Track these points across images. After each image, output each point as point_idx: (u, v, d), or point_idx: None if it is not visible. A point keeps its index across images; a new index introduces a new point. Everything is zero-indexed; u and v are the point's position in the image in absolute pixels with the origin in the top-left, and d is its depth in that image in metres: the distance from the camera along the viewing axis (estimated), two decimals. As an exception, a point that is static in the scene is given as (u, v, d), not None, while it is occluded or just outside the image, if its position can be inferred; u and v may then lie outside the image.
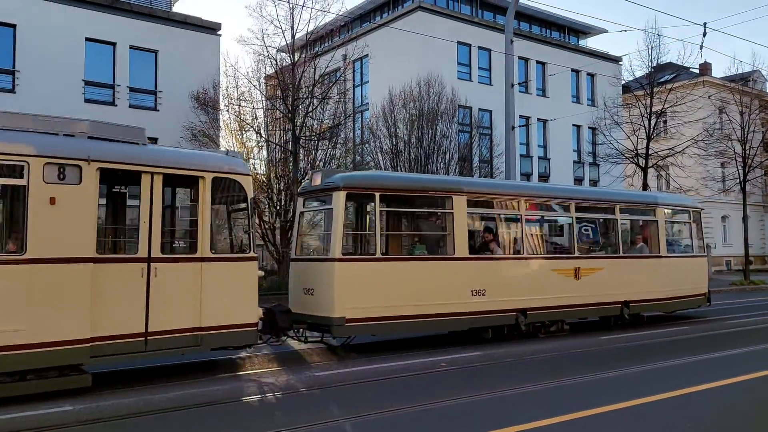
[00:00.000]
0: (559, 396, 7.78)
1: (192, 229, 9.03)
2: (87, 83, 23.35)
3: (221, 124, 24.21)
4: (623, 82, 35.53)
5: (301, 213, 11.98)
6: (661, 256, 14.93)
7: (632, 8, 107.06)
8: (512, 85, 20.24)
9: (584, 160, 38.17)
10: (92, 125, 8.41)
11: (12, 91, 21.85)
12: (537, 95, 36.53)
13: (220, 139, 24.21)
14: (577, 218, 13.60)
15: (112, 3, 24.16)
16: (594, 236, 14.55)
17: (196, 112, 23.75)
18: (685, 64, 31.90)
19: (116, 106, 23.78)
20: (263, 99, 24.55)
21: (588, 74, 38.77)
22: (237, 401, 7.63)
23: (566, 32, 40.68)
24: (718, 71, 47.01)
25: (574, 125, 37.68)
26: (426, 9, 32.57)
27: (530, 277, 12.50)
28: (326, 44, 28.17)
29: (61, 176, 7.67)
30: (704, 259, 16.77)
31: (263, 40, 23.35)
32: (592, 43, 42.58)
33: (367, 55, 30.81)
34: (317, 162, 23.48)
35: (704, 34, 21.50)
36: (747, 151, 30.72)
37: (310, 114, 23.37)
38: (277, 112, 24.20)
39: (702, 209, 17.35)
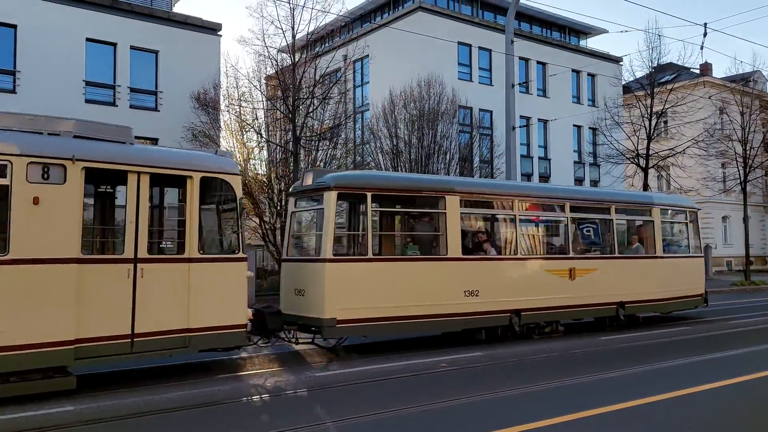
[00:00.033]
0: (561, 396, 7.78)
1: (180, 229, 8.91)
2: (88, 84, 23.35)
3: (222, 124, 24.20)
4: (624, 82, 35.54)
5: (293, 213, 11.88)
6: (657, 257, 14.86)
7: (633, 8, 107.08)
8: (513, 86, 20.24)
9: (585, 161, 38.16)
10: (78, 124, 8.32)
11: (13, 91, 21.85)
12: (537, 95, 36.53)
13: (221, 139, 24.21)
14: (572, 218, 13.54)
15: (112, 3, 24.16)
16: (589, 236, 14.44)
17: (196, 112, 23.74)
18: (686, 65, 31.92)
19: (117, 106, 23.78)
20: (264, 99, 24.55)
21: (588, 74, 38.77)
22: (238, 401, 7.64)
23: (567, 32, 40.68)
24: (719, 72, 46.99)
25: (574, 125, 37.68)
26: (426, 9, 32.57)
27: (524, 277, 12.43)
28: (327, 44, 28.16)
29: (45, 176, 7.58)
30: (701, 260, 16.68)
31: (264, 40, 23.35)
32: (592, 43, 42.62)
33: (367, 55, 30.79)
34: (318, 162, 23.48)
35: (705, 35, 21.67)
36: (747, 152, 30.72)
37: (311, 114, 23.37)
38: (278, 112, 24.20)
39: (699, 209, 17.27)
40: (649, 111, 28.87)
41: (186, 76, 24.16)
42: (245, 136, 24.19)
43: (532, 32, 37.96)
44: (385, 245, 12.21)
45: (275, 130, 24.92)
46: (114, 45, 24.03)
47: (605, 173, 34.15)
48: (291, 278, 11.08)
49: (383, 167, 25.59)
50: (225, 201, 9.82)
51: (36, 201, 7.44)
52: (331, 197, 10.48)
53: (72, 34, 23.01)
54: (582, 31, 41.03)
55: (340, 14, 25.57)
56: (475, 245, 12.36)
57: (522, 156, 33.78)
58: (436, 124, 25.97)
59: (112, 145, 8.45)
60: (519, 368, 9.94)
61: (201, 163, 9.07)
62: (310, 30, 23.74)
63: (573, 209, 13.59)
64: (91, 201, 10.00)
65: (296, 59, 23.24)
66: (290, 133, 22.88)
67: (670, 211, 16.21)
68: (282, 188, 22.42)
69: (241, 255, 9.25)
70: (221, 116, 24.08)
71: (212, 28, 26.44)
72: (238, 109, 23.86)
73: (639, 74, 31.41)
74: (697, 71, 39.20)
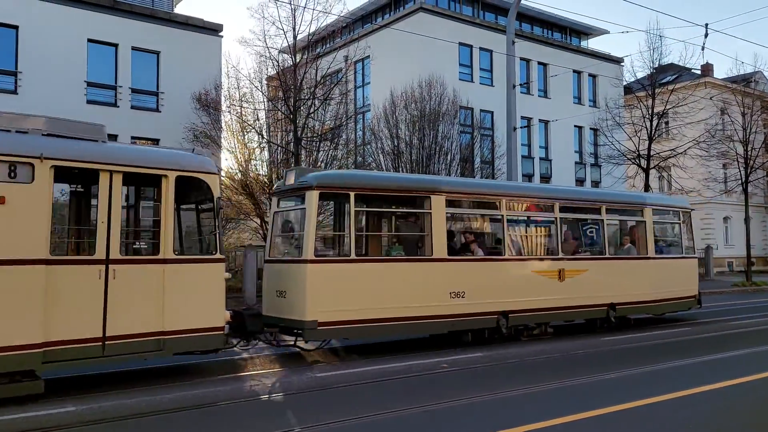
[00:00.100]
0: (562, 397, 7.78)
1: (154, 229, 8.70)
2: (89, 84, 23.37)
3: (223, 125, 24.23)
4: (625, 83, 35.56)
5: (276, 213, 11.64)
6: (648, 258, 14.67)
7: (634, 9, 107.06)
8: (514, 86, 20.24)
9: (586, 161, 38.16)
10: (48, 122, 8.10)
11: (14, 92, 21.89)
12: (538, 96, 36.53)
13: (222, 140, 24.25)
14: (561, 219, 13.32)
15: (113, 4, 24.20)
16: (579, 237, 14.24)
17: (197, 113, 23.78)
18: (687, 65, 31.94)
19: (118, 107, 23.81)
20: (265, 100, 24.59)
21: (590, 75, 38.77)
22: (239, 402, 7.64)
23: (568, 33, 40.68)
24: (720, 72, 47.08)
25: (575, 126, 37.67)
26: (427, 10, 32.59)
27: (512, 278, 12.20)
28: (328, 45, 28.19)
29: (12, 174, 7.36)
30: (694, 261, 16.50)
31: (265, 41, 23.39)
32: (593, 44, 42.63)
33: (368, 56, 30.81)
34: (319, 163, 23.50)
35: (706, 35, 21.60)
36: (749, 152, 30.70)
37: (312, 115, 23.40)
38: (279, 113, 24.22)
39: (692, 209, 17.06)
40: (650, 112, 28.87)
41: (187, 76, 24.18)
42: (246, 136, 24.24)
43: (533, 33, 37.96)
44: (370, 246, 12.03)
45: (276, 131, 24.95)
46: (115, 46, 24.06)
47: (606, 174, 34.13)
48: (273, 279, 10.86)
49: (384, 168, 25.61)
50: (202, 201, 9.59)
51: (2, 200, 7.24)
52: (312, 197, 10.28)
53: (73, 34, 23.04)
54: (583, 31, 41.03)
55: (341, 15, 25.60)
56: (462, 246, 12.19)
57: (523, 157, 33.78)
58: (437, 124, 25.98)
59: (83, 143, 8.19)
60: (520, 369, 9.94)
61: (176, 162, 8.83)
62: (311, 31, 23.78)
63: (562, 209, 13.39)
64: (63, 201, 9.82)
65: (297, 60, 23.26)
66: (291, 133, 22.91)
67: (662, 212, 16.01)
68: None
69: (218, 256, 9.01)
70: (222, 117, 24.12)
71: (213, 29, 26.48)
72: (239, 110, 23.91)
73: (640, 75, 31.47)
74: (698, 72, 39.20)
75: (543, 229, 13.69)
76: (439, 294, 11.12)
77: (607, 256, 13.95)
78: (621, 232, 15.47)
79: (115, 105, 23.83)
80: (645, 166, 29.00)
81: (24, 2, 22.26)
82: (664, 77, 31.69)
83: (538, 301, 12.36)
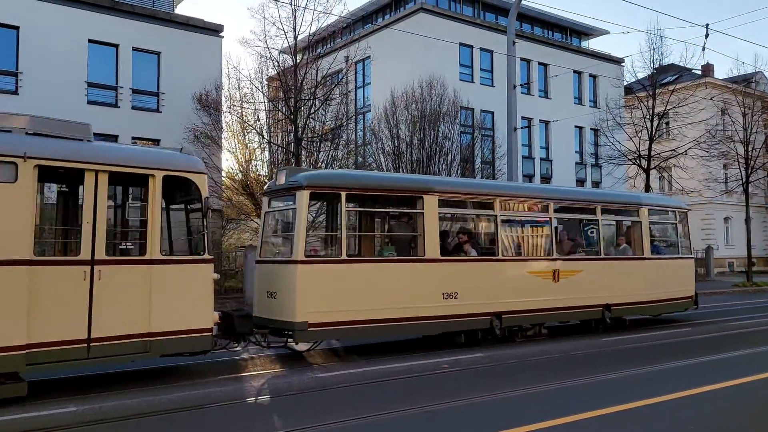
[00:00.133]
0: (563, 397, 7.78)
1: (141, 230, 8.57)
2: (90, 85, 23.39)
3: (223, 125, 24.25)
4: (625, 83, 35.55)
5: (267, 213, 11.50)
6: (644, 258, 14.53)
7: (634, 10, 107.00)
8: (514, 87, 20.24)
9: (586, 162, 38.17)
10: (32, 120, 7.99)
11: (15, 92, 21.90)
12: (539, 96, 36.54)
13: (223, 140, 24.27)
14: (556, 219, 13.20)
15: (114, 5, 24.22)
16: (574, 237, 14.09)
17: (198, 113, 23.79)
18: (688, 66, 31.92)
19: (119, 107, 23.83)
20: (265, 100, 24.61)
21: (590, 75, 38.78)
22: (240, 402, 7.64)
23: (568, 34, 40.69)
24: (721, 73, 47.06)
25: (576, 126, 37.68)
26: (428, 10, 32.60)
27: (505, 279, 12.05)
28: (328, 46, 28.21)
29: None
30: (691, 261, 16.36)
31: (265, 41, 23.42)
32: (594, 44, 42.67)
33: (369, 56, 30.83)
34: (319, 163, 23.51)
35: (707, 36, 21.57)
36: (749, 153, 30.71)
37: (312, 115, 23.41)
38: (280, 113, 24.24)
39: (689, 209, 16.91)
40: (650, 112, 28.88)
41: (188, 77, 24.20)
42: (247, 137, 24.28)
43: (534, 33, 37.97)
44: (362, 246, 11.94)
45: (277, 131, 24.97)
46: (116, 46, 24.07)
47: (607, 174, 34.16)
48: (263, 280, 10.73)
49: (385, 168, 25.62)
50: (190, 201, 9.47)
51: None
52: (303, 196, 10.14)
53: (74, 35, 23.06)
54: (583, 32, 41.03)
55: (342, 15, 25.61)
56: (455, 246, 12.07)
57: (524, 157, 33.77)
58: (437, 125, 25.99)
59: (68, 142, 8.06)
60: (521, 369, 9.93)
61: (164, 162, 8.69)
62: (311, 31, 23.80)
63: (557, 209, 13.27)
64: (48, 200, 9.70)
65: (298, 60, 23.28)
66: (292, 134, 22.92)
67: (658, 212, 15.89)
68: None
69: (206, 256, 8.86)
70: (223, 117, 24.14)
71: (214, 30, 26.49)
72: (239, 110, 23.94)
73: (641, 75, 31.48)
74: (699, 72, 39.20)
75: (537, 229, 13.53)
76: (432, 295, 10.99)
77: (603, 256, 13.83)
78: (617, 233, 15.37)
79: (115, 105, 23.85)
80: (645, 167, 29.00)
81: (25, 3, 22.27)
82: (665, 77, 31.70)
83: (533, 302, 12.22)
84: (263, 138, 24.15)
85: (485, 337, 11.77)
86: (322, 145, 24.27)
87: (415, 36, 26.85)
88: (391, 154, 25.98)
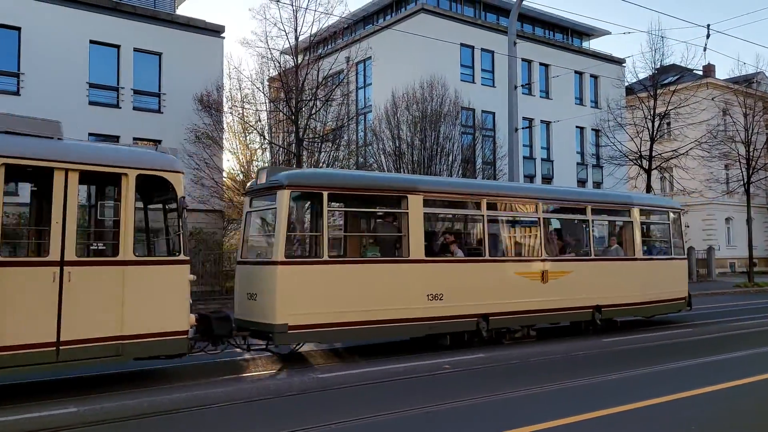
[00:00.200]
0: (563, 398, 7.78)
1: (114, 230, 8.36)
2: (91, 85, 23.41)
3: (225, 126, 24.30)
4: (626, 83, 35.52)
5: (248, 213, 11.27)
6: (636, 259, 14.32)
7: (635, 10, 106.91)
8: (515, 87, 20.23)
9: (588, 162, 38.15)
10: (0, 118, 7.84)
11: (17, 93, 21.93)
12: (540, 97, 36.53)
13: (224, 141, 24.31)
14: (544, 219, 12.95)
15: (115, 6, 24.25)
16: (563, 238, 13.92)
17: (199, 114, 23.82)
18: (689, 66, 31.89)
19: (120, 108, 23.85)
20: (267, 101, 24.65)
21: (591, 76, 38.76)
22: (241, 403, 7.64)
23: (569, 34, 40.67)
24: (722, 73, 47.04)
25: (577, 127, 37.65)
26: (429, 11, 32.60)
27: (493, 280, 11.82)
28: (329, 46, 28.22)
29: None
30: (684, 262, 16.18)
31: (267, 42, 23.49)
32: (595, 44, 42.64)
33: (370, 57, 30.85)
34: (320, 164, 23.54)
35: (708, 36, 21.45)
36: (751, 153, 30.70)
37: (314, 116, 23.43)
38: (281, 114, 24.26)
39: (682, 209, 16.73)
40: (652, 112, 28.87)
41: (189, 78, 24.22)
42: (248, 137, 24.32)
43: (535, 34, 37.96)
44: (346, 247, 11.78)
45: (278, 132, 25.00)
46: (117, 47, 24.09)
47: (608, 175, 34.13)
48: (244, 281, 10.55)
49: (386, 169, 25.63)
50: (167, 200, 9.30)
51: None
52: (284, 196, 9.93)
53: (75, 36, 23.09)
54: (584, 32, 41.02)
55: (343, 16, 25.62)
56: (442, 247, 11.90)
57: (525, 157, 33.77)
58: (438, 125, 26.00)
59: (37, 140, 7.87)
60: (521, 370, 9.93)
61: (137, 160, 8.50)
62: (312, 32, 23.84)
63: (546, 209, 13.11)
64: (16, 200, 9.46)
65: (299, 61, 23.31)
66: (293, 134, 22.95)
67: (650, 212, 15.70)
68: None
69: (182, 257, 8.63)
70: (224, 118, 24.19)
71: (215, 30, 26.52)
72: (241, 111, 23.98)
73: (642, 76, 31.49)
74: (700, 73, 39.16)
75: (526, 229, 13.34)
76: (416, 296, 10.79)
77: (593, 257, 13.62)
78: (608, 233, 15.22)
79: (117, 106, 23.87)
80: (647, 167, 28.98)
81: (26, 4, 22.30)
82: (666, 78, 31.69)
83: (520, 303, 12.01)
84: (264, 138, 24.18)
85: (472, 339, 11.57)
86: (323, 145, 24.30)
87: (416, 36, 26.86)
88: (392, 154, 26.00)
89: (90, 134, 22.07)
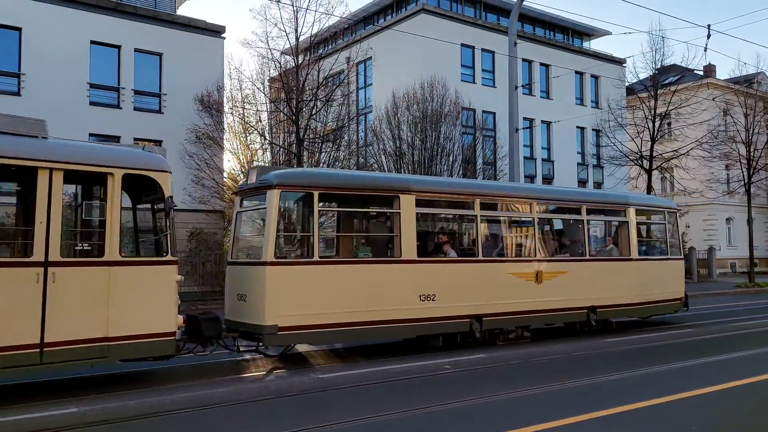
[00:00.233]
0: (565, 398, 7.78)
1: (99, 230, 8.28)
2: (92, 86, 23.42)
3: (225, 126, 24.32)
4: (627, 84, 35.51)
5: (238, 213, 11.16)
6: (631, 259, 14.21)
7: (636, 10, 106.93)
8: (516, 87, 20.24)
9: (588, 162, 38.14)
10: None
11: (17, 93, 21.94)
12: (541, 97, 36.52)
13: (224, 141, 24.32)
14: (539, 219, 12.89)
15: (116, 6, 24.26)
16: (558, 238, 13.85)
17: (200, 114, 23.85)
18: (690, 66, 31.89)
19: (121, 108, 23.86)
20: (267, 101, 24.66)
21: (592, 76, 38.75)
22: (242, 403, 7.65)
23: (570, 34, 40.67)
24: (723, 73, 47.04)
25: (578, 127, 37.64)
26: (429, 11, 32.60)
27: (486, 281, 11.70)
28: (330, 47, 28.23)
29: None
30: (680, 262, 16.05)
31: (267, 42, 23.53)
32: (595, 45, 42.60)
33: (370, 57, 30.86)
34: (321, 164, 23.55)
35: (708, 36, 21.42)
36: (751, 153, 30.71)
37: (314, 116, 23.45)
38: (281, 114, 24.28)
39: (678, 209, 16.61)
40: (652, 113, 28.86)
41: (190, 78, 24.24)
42: (249, 138, 24.33)
43: (535, 34, 37.96)
44: (337, 247, 11.68)
45: (278, 132, 25.03)
46: (118, 47, 24.10)
47: (609, 175, 34.11)
48: (234, 282, 10.44)
49: (386, 169, 25.64)
50: (154, 200, 9.21)
51: None
52: (273, 196, 9.81)
53: (76, 36, 23.10)
54: (585, 32, 41.01)
55: (344, 16, 25.64)
56: (435, 247, 11.78)
57: (525, 158, 33.76)
58: (439, 126, 26.01)
59: (20, 139, 7.77)
60: (522, 370, 9.93)
61: (123, 159, 8.42)
62: (313, 32, 23.86)
63: (540, 209, 13.04)
64: (2, 200, 9.34)
65: (299, 61, 23.32)
66: (293, 135, 22.96)
67: (646, 212, 15.59)
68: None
69: (169, 258, 8.55)
70: (225, 118, 24.21)
71: (216, 31, 26.53)
72: (241, 111, 24.00)
73: (642, 76, 31.48)
74: (701, 73, 39.14)
75: (519, 229, 13.23)
76: (408, 297, 10.69)
77: (588, 257, 13.45)
78: (604, 233, 15.11)
79: (117, 107, 23.87)
80: (647, 168, 28.98)
81: (27, 4, 22.32)
82: (667, 78, 31.69)
83: (514, 304, 11.92)
84: (265, 139, 24.20)
85: (465, 340, 11.49)
86: (323, 146, 24.32)
87: (417, 37, 26.86)
88: (393, 155, 26.01)
89: (90, 134, 22.11)
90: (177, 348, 8.79)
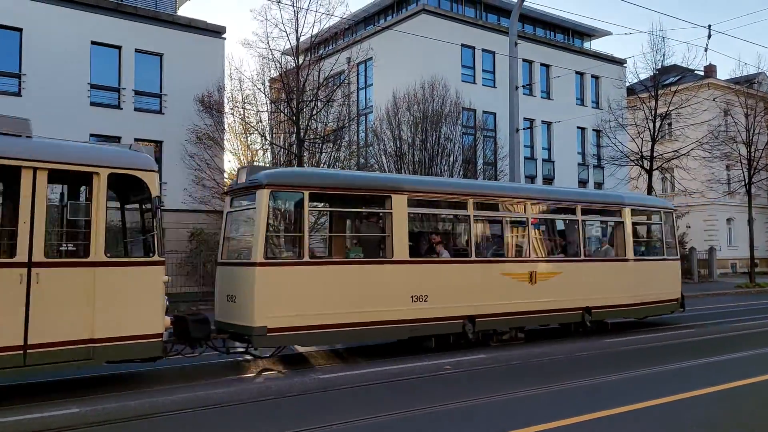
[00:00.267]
0: (565, 398, 7.78)
1: (85, 230, 8.16)
2: (93, 86, 23.45)
3: (226, 127, 24.34)
4: (628, 84, 35.52)
5: (228, 213, 11.02)
6: (627, 260, 14.07)
7: (636, 11, 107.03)
8: (516, 88, 20.23)
9: (589, 163, 38.14)
10: None
11: (18, 94, 21.97)
12: (541, 98, 36.52)
13: (225, 141, 24.34)
14: (533, 219, 12.73)
15: (117, 7, 24.29)
16: (552, 238, 13.77)
17: (201, 115, 23.86)
18: (690, 67, 31.89)
19: (122, 109, 23.88)
20: (268, 102, 24.68)
21: (592, 76, 38.75)
22: (243, 403, 7.65)
23: (570, 34, 40.67)
24: (723, 73, 46.98)
25: (578, 128, 37.64)
26: (430, 12, 32.61)
27: (479, 281, 11.58)
28: (330, 47, 28.26)
29: None
30: (677, 263, 15.91)
31: (268, 43, 23.55)
32: (596, 45, 42.58)
33: (371, 57, 30.86)
34: (321, 164, 23.56)
35: (709, 37, 21.42)
36: (752, 154, 30.70)
37: (315, 117, 23.46)
38: (282, 114, 24.29)
39: (675, 210, 16.52)
40: (653, 113, 28.87)
41: (190, 78, 24.26)
42: (249, 138, 24.35)
43: (536, 34, 37.96)
44: (329, 248, 11.61)
45: (279, 133, 25.05)
46: (119, 48, 24.13)
47: (609, 176, 34.12)
48: (224, 283, 10.32)
49: (387, 169, 25.65)
50: (141, 200, 9.12)
51: None
52: (263, 196, 9.68)
53: (77, 37, 23.12)
54: (585, 33, 41.01)
55: (344, 17, 25.65)
56: (428, 248, 11.67)
57: (526, 158, 33.76)
58: (439, 126, 26.02)
59: (3, 138, 7.67)
60: (522, 371, 9.93)
61: (109, 159, 8.33)
62: (314, 33, 23.87)
63: (534, 209, 12.96)
64: None
65: (300, 62, 23.33)
66: (294, 135, 22.97)
67: (642, 212, 15.50)
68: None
69: (156, 258, 8.46)
70: (225, 119, 24.23)
71: (216, 31, 26.56)
72: (242, 112, 24.01)
73: (643, 76, 31.49)
74: (702, 73, 39.15)
75: (513, 229, 13.07)
76: (400, 297, 10.56)
77: (582, 258, 13.30)
78: (599, 233, 15.05)
79: (118, 107, 23.90)
80: (648, 168, 28.98)
81: (28, 5, 22.35)
82: (667, 78, 31.70)
83: (508, 305, 11.80)
84: (265, 139, 24.21)
85: (458, 341, 11.36)
86: (324, 146, 24.34)
87: (417, 37, 26.87)
88: (393, 155, 26.02)
89: (91, 135, 22.14)
90: (164, 349, 8.71)
